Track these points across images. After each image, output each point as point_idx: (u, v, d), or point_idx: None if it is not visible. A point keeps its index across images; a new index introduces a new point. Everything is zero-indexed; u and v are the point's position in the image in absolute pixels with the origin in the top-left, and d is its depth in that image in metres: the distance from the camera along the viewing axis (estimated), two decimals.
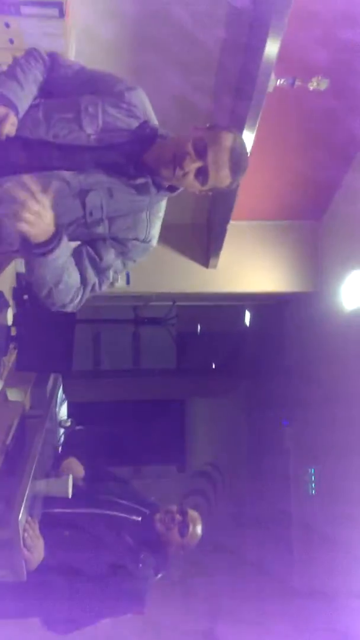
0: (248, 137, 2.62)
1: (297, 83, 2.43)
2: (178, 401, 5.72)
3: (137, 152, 1.27)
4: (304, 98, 2.60)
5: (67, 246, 1.20)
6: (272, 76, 2.37)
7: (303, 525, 3.93)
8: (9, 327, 2.55)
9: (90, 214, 1.26)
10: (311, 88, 2.44)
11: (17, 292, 2.69)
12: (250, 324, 5.05)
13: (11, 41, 2.02)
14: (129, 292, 3.71)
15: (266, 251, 3.78)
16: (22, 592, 1.66)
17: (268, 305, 4.65)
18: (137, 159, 1.27)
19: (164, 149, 1.25)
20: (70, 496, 1.88)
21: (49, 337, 2.70)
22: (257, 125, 2.55)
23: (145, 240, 1.35)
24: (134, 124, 1.28)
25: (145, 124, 1.30)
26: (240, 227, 3.64)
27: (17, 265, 2.79)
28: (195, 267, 3.76)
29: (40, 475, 1.96)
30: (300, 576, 3.34)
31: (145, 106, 1.33)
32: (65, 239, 1.17)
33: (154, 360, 4.98)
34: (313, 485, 3.99)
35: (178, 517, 1.93)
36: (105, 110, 1.25)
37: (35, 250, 1.14)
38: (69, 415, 2.74)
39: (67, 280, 1.23)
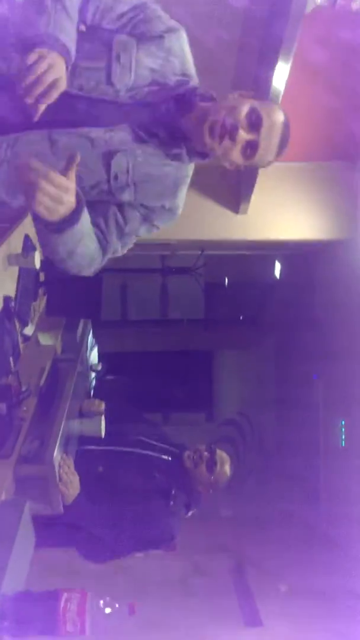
0: (282, 68, 2.44)
1: (340, 2, 2.22)
2: (206, 352, 5.73)
3: (173, 115, 1.15)
4: (345, 21, 2.38)
5: (87, 220, 1.08)
6: None
7: (331, 478, 3.94)
8: (37, 272, 2.54)
9: (115, 177, 1.14)
10: (355, 8, 2.22)
11: None
12: (280, 275, 4.93)
13: None
14: (156, 239, 3.63)
15: (299, 196, 3.61)
16: (60, 524, 1.72)
17: (299, 255, 4.51)
18: (172, 122, 1.15)
19: (207, 114, 1.12)
20: (103, 435, 1.91)
21: (77, 285, 2.68)
22: (292, 54, 2.37)
23: (172, 209, 1.26)
24: (171, 76, 1.15)
25: (184, 81, 1.16)
26: (272, 169, 3.46)
27: None
28: (225, 212, 3.64)
29: (73, 416, 1.99)
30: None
31: (184, 54, 1.18)
32: (85, 214, 1.04)
33: (181, 311, 4.95)
34: (343, 437, 3.99)
35: (206, 454, 1.97)
36: (140, 61, 1.11)
37: (50, 227, 1.00)
38: (99, 362, 2.77)
39: (82, 252, 1.12)
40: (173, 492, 1.88)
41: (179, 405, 5.32)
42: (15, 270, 2.32)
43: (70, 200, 0.96)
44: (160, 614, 2.51)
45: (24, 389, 1.98)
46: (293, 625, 2.95)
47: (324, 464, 4.19)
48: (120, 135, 1.13)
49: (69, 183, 0.94)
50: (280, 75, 2.47)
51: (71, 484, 1.70)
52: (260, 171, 3.17)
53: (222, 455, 1.99)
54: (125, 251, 1.27)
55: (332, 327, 4.10)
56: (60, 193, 0.93)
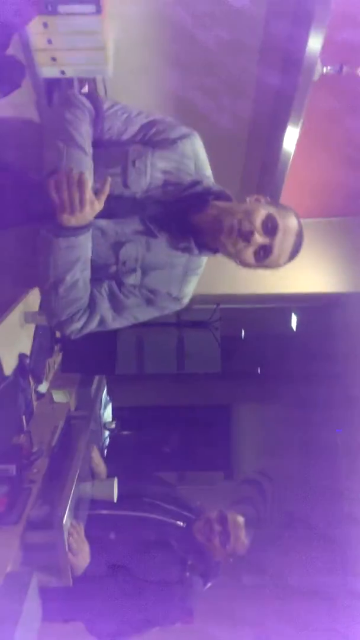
0: (292, 133, 2.53)
1: (345, 69, 2.32)
2: (224, 406, 5.60)
3: (184, 212, 1.21)
4: (351, 86, 2.48)
5: (88, 246, 1.14)
6: (318, 63, 2.28)
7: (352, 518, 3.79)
8: (53, 329, 2.56)
9: (124, 264, 1.21)
10: None
11: None
12: (297, 327, 4.88)
13: (49, 41, 2.02)
14: None
15: (313, 250, 3.63)
16: (67, 596, 1.62)
17: (316, 307, 4.48)
18: (182, 219, 1.21)
19: (222, 215, 1.17)
20: (115, 500, 1.84)
21: (92, 340, 2.69)
22: (302, 120, 2.46)
23: (178, 298, 1.29)
24: (185, 178, 1.21)
25: (196, 183, 1.22)
26: None
27: None
28: (240, 267, 3.66)
29: (85, 478, 1.93)
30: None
31: (198, 157, 1.24)
32: (90, 237, 1.13)
33: (198, 364, 4.91)
34: None
35: (217, 527, 1.83)
36: (154, 164, 1.18)
37: (58, 230, 1.07)
38: (113, 419, 2.72)
39: (73, 283, 1.13)
40: (189, 562, 1.76)
41: (196, 463, 5.15)
42: (31, 328, 2.35)
43: (89, 214, 1.06)
44: None
45: (35, 449, 1.94)
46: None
47: (348, 519, 4.00)
48: (132, 227, 1.19)
49: (96, 200, 1.06)
50: (291, 138, 2.56)
51: (81, 553, 1.61)
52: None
53: (235, 521, 1.86)
54: (116, 325, 1.26)
55: (352, 378, 4.00)
56: (90, 199, 1.03)
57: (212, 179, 1.27)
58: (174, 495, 2.11)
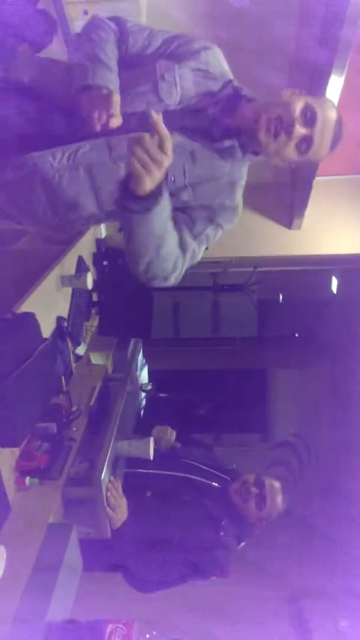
0: (336, 82, 2.38)
1: None
2: (260, 370, 5.57)
3: (222, 115, 1.22)
4: None
5: (169, 204, 1.13)
6: None
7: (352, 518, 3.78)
8: (90, 293, 2.58)
9: (173, 180, 1.20)
10: None
11: (97, 258, 2.70)
12: (337, 291, 4.73)
13: None
14: (208, 257, 3.59)
15: (354, 209, 3.47)
16: (107, 549, 1.69)
17: (356, 270, 4.32)
18: (222, 122, 1.22)
19: (261, 111, 1.18)
20: (152, 458, 1.87)
21: (129, 304, 2.70)
22: (347, 66, 2.30)
23: (232, 207, 1.30)
24: (213, 85, 1.24)
25: (228, 84, 1.24)
26: (326, 183, 3.36)
27: (97, 231, 2.80)
28: (277, 228, 3.55)
29: (122, 437, 1.97)
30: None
31: (222, 65, 1.28)
32: (167, 195, 1.11)
33: (234, 329, 4.87)
34: None
35: (254, 489, 1.85)
36: (182, 75, 1.20)
37: (137, 206, 1.06)
38: (150, 381, 2.75)
39: (169, 244, 1.16)
40: (223, 522, 1.79)
41: (232, 425, 5.20)
42: (68, 291, 2.37)
43: (158, 175, 1.02)
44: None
45: (74, 408, 1.99)
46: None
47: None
48: (174, 137, 1.14)
49: (165, 157, 1.01)
50: (334, 87, 2.41)
51: (119, 508, 1.67)
52: (315, 183, 3.09)
53: (272, 486, 1.86)
54: (201, 255, 1.30)
55: None
56: (159, 155, 1.00)
57: (234, 78, 1.29)
58: (211, 456, 2.13)
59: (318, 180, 3.02)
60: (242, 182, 1.32)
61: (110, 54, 1.21)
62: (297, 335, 5.34)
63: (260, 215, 3.54)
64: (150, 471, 1.90)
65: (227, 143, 1.23)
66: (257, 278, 4.01)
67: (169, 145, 1.00)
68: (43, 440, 1.73)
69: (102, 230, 2.84)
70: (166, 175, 1.09)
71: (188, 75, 1.21)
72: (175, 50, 1.24)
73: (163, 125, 1.00)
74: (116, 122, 1.14)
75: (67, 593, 1.48)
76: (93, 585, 1.77)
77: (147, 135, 0.99)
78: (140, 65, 1.24)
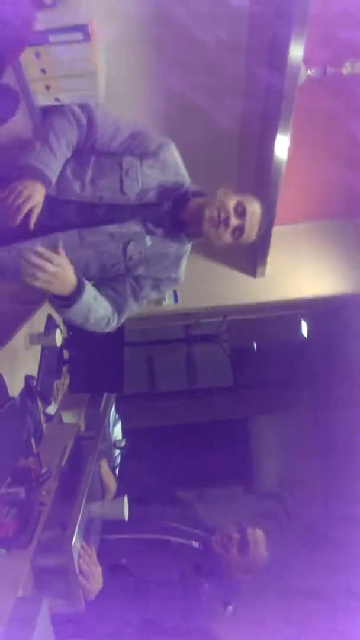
0: (282, 140, 2.53)
1: (329, 70, 2.32)
2: (241, 420, 5.51)
3: (174, 210, 1.52)
4: (337, 87, 2.48)
5: (90, 293, 1.37)
6: (302, 67, 2.28)
7: (352, 518, 3.71)
8: (60, 350, 2.55)
9: (130, 259, 1.51)
10: (345, 72, 2.32)
11: None
12: (307, 333, 4.82)
13: (43, 71, 2.06)
14: (178, 310, 3.65)
15: (316, 253, 3.60)
16: (80, 622, 1.56)
17: (324, 312, 4.43)
18: (173, 215, 1.52)
19: (203, 208, 1.48)
20: (126, 518, 1.79)
21: (99, 360, 2.68)
22: (291, 124, 2.46)
23: (176, 278, 1.63)
24: (167, 179, 1.50)
25: (179, 184, 1.52)
26: (285, 231, 3.51)
27: None
28: (243, 277, 3.64)
29: (94, 497, 1.89)
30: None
31: (176, 161, 1.53)
32: (87, 288, 1.35)
33: (210, 379, 4.86)
34: None
35: (235, 535, 1.79)
36: (144, 172, 1.45)
37: (59, 302, 1.34)
38: (124, 437, 2.68)
39: (95, 317, 1.44)
40: (206, 585, 1.69)
41: (215, 479, 5.05)
42: (37, 349, 2.35)
43: (68, 276, 1.28)
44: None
45: (44, 470, 1.91)
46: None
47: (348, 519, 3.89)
48: (133, 228, 1.49)
49: (64, 260, 1.26)
50: (281, 146, 2.56)
51: (93, 577, 1.56)
52: (274, 232, 3.22)
53: (254, 534, 1.79)
54: (138, 310, 1.62)
55: None
56: (56, 269, 1.23)
57: (188, 179, 1.56)
58: (189, 515, 2.04)
59: (277, 229, 3.15)
60: (186, 255, 1.63)
61: (62, 140, 1.40)
62: (273, 380, 5.36)
63: (224, 266, 3.65)
64: (125, 536, 1.80)
65: (177, 237, 1.55)
66: (228, 327, 4.06)
67: (57, 261, 1.23)
68: (11, 507, 1.64)
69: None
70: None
71: (148, 173, 1.46)
72: (140, 146, 1.47)
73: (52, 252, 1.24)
74: (15, 221, 1.31)
75: None
76: None
77: (31, 259, 1.21)
78: (105, 154, 1.48)
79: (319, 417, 4.98)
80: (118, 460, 2.40)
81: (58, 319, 2.66)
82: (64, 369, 2.66)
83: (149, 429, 4.60)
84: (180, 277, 1.64)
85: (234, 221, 1.46)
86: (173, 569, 1.73)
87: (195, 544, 1.82)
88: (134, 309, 1.59)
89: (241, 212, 1.47)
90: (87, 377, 2.66)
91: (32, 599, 1.44)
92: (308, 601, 2.98)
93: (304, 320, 4.58)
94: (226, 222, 1.45)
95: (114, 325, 1.55)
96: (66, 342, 2.57)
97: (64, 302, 1.33)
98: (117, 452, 2.41)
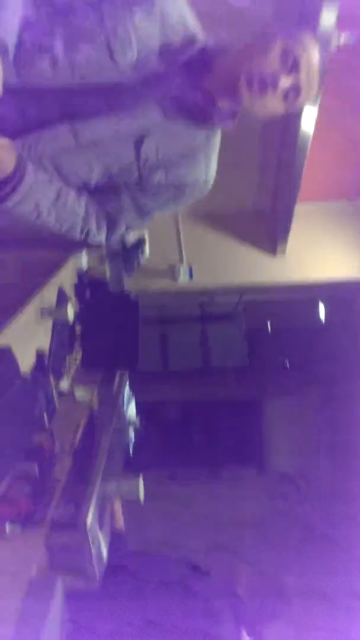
0: (311, 112, 2.41)
1: None
2: (254, 401, 5.46)
3: (191, 83, 1.06)
4: None
5: (39, 188, 1.04)
6: (335, 32, 2.15)
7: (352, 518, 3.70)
8: (73, 325, 2.50)
9: (146, 160, 1.10)
10: None
11: (79, 290, 2.63)
12: (325, 317, 4.71)
13: None
14: (194, 287, 3.57)
15: (339, 233, 3.48)
16: (93, 599, 1.54)
17: (343, 297, 4.31)
18: (193, 90, 1.07)
19: (240, 63, 1.02)
20: (142, 499, 1.75)
21: (113, 336, 2.63)
22: (320, 95, 2.33)
23: (207, 181, 1.19)
24: (171, 36, 1.03)
25: (189, 43, 1.05)
26: (308, 209, 3.38)
27: (78, 262, 2.75)
28: (262, 255, 3.54)
29: (110, 477, 1.86)
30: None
31: (181, 11, 1.06)
32: (29, 177, 1.01)
33: (225, 358, 4.79)
34: None
35: None
36: (137, 28, 0.99)
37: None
38: (138, 416, 2.64)
39: (56, 217, 1.09)
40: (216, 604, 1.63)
41: (228, 459, 5.03)
42: (48, 324, 2.29)
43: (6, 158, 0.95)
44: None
45: (57, 447, 1.87)
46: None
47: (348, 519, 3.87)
48: (149, 116, 1.06)
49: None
50: (309, 119, 2.44)
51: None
52: (296, 212, 3.10)
53: None
54: (144, 225, 1.25)
55: None
56: None
57: (200, 32, 1.10)
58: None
59: (300, 206, 3.04)
60: (217, 149, 1.20)
61: None
62: (288, 363, 5.28)
63: (244, 243, 3.54)
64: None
65: (209, 121, 1.10)
66: (244, 306, 3.97)
67: None
68: (24, 483, 1.61)
69: (84, 262, 2.80)
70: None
71: (142, 26, 1.00)
72: None
73: None
74: (7, 157, 0.97)
75: None
76: None
77: None
78: (81, 14, 1.00)
79: (332, 404, 4.93)
80: (132, 438, 2.36)
81: (70, 292, 2.60)
82: (77, 344, 2.61)
83: (163, 406, 4.57)
84: (212, 178, 1.20)
85: (284, 81, 1.00)
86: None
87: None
88: (135, 223, 1.21)
89: (293, 63, 1.01)
90: (101, 354, 2.61)
91: (47, 578, 1.41)
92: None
93: (323, 303, 4.47)
94: (274, 83, 1.00)
95: (100, 238, 1.18)
96: (79, 317, 2.52)
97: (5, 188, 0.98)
98: (132, 430, 2.38)
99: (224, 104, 1.09)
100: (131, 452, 2.31)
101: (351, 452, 4.42)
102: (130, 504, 1.84)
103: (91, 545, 1.50)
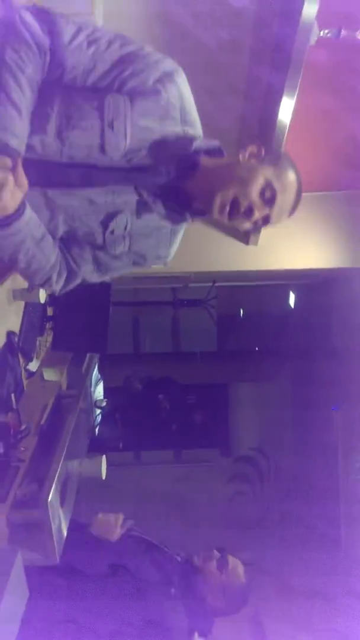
0: (287, 104, 2.44)
1: (343, 33, 2.21)
2: (221, 385, 5.60)
3: (176, 177, 1.08)
4: (349, 51, 2.37)
5: (31, 226, 1.02)
6: (315, 27, 2.17)
7: (352, 518, 3.80)
8: (44, 307, 2.52)
9: (112, 232, 1.11)
10: None
11: None
12: (295, 305, 4.83)
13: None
14: (167, 272, 3.60)
15: (310, 225, 3.55)
16: (52, 577, 1.61)
17: (314, 284, 4.42)
18: (175, 186, 1.09)
19: (219, 184, 1.05)
20: (104, 477, 1.82)
21: (84, 318, 2.65)
22: (297, 89, 2.36)
23: (165, 257, 1.22)
24: (169, 129, 1.05)
25: (185, 141, 1.07)
26: None
27: None
28: (235, 244, 3.59)
29: (75, 456, 1.91)
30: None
31: (184, 100, 1.06)
32: (28, 218, 0.99)
33: (194, 343, 4.88)
34: None
35: (216, 553, 1.77)
36: (135, 123, 0.99)
37: None
38: (105, 398, 2.70)
39: (29, 259, 1.06)
40: (173, 591, 1.69)
41: (193, 442, 5.16)
42: (20, 305, 2.30)
43: (11, 200, 0.92)
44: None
45: (23, 427, 1.91)
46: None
47: (344, 499, 4.00)
48: (124, 197, 1.08)
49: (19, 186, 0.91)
50: (286, 109, 2.47)
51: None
52: None
53: (235, 559, 1.78)
54: (97, 281, 1.22)
55: (350, 356, 3.96)
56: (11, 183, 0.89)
57: (199, 129, 1.12)
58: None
59: None
60: (183, 227, 1.21)
61: (25, 85, 0.94)
62: (257, 348, 5.41)
63: (217, 231, 3.58)
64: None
65: (180, 218, 1.14)
66: (216, 293, 4.04)
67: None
68: None
69: None
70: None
71: (141, 122, 1.01)
72: (128, 81, 1.00)
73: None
74: (16, 197, 0.93)
75: (10, 621, 1.40)
76: None
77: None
78: (79, 91, 0.99)
79: (298, 389, 5.06)
80: (98, 419, 2.42)
81: None
82: (47, 325, 2.63)
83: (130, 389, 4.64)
84: (170, 255, 1.23)
85: (257, 213, 1.05)
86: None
87: (178, 557, 1.82)
88: (91, 278, 1.19)
89: (270, 197, 1.04)
90: (71, 336, 2.63)
91: (6, 551, 1.47)
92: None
93: (292, 291, 4.58)
94: (247, 214, 1.04)
95: (57, 287, 1.16)
96: (50, 299, 2.53)
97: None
98: (98, 411, 2.43)
99: (199, 205, 1.11)
100: (96, 432, 2.37)
101: (315, 439, 4.57)
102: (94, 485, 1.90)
103: (52, 522, 1.56)
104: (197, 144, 1.08)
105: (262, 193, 1.04)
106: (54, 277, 1.13)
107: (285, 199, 1.06)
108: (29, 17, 0.95)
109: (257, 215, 1.05)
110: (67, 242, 1.15)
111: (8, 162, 0.90)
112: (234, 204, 1.04)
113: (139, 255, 1.18)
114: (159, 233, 1.16)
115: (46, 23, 0.96)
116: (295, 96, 2.38)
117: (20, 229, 0.98)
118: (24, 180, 0.92)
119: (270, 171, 1.05)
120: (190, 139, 1.07)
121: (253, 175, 1.04)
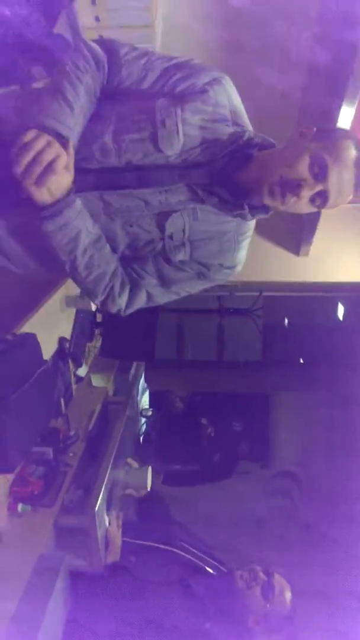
0: (347, 112, 2.40)
1: None
2: (263, 395, 5.51)
3: (231, 172, 1.07)
4: None
5: (83, 216, 1.02)
6: None
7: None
8: (94, 313, 2.57)
9: (171, 237, 1.10)
10: None
11: None
12: (344, 318, 4.70)
13: (97, 19, 1.98)
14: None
15: None
16: (95, 581, 1.63)
17: None
18: (231, 180, 1.08)
19: (267, 168, 1.03)
20: (149, 488, 1.83)
21: (133, 325, 2.69)
22: (358, 98, 2.32)
23: (230, 267, 1.18)
24: (221, 129, 1.07)
25: (237, 133, 1.08)
26: (334, 211, 3.36)
27: None
28: (285, 254, 3.55)
29: (120, 464, 1.94)
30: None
31: (233, 103, 1.10)
32: (78, 205, 1.00)
33: (239, 353, 4.83)
34: None
35: (262, 576, 1.65)
36: (186, 121, 1.03)
37: (38, 213, 0.97)
38: (151, 404, 2.72)
39: (89, 259, 1.05)
40: (211, 613, 1.60)
41: (234, 451, 5.11)
42: (72, 312, 2.36)
43: (57, 182, 0.93)
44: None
45: (72, 432, 1.96)
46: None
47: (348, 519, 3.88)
48: (177, 195, 1.07)
49: (66, 168, 0.94)
50: (345, 117, 2.42)
51: (113, 545, 1.60)
52: (323, 213, 3.10)
53: (281, 581, 1.66)
54: (165, 300, 1.19)
55: None
56: (56, 166, 0.91)
57: (250, 126, 1.13)
58: (208, 549, 1.93)
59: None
60: (249, 234, 1.19)
61: (80, 90, 1.02)
62: (301, 360, 5.29)
63: (268, 241, 3.55)
64: (138, 542, 1.77)
65: (237, 212, 1.10)
66: (263, 303, 3.99)
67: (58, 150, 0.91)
68: (38, 465, 1.70)
69: None
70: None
71: (193, 121, 1.04)
72: (177, 85, 1.06)
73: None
74: (65, 180, 0.94)
75: (55, 624, 1.43)
76: None
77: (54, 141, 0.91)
78: (133, 98, 1.07)
79: (343, 403, 4.93)
80: (143, 428, 2.44)
81: None
82: (97, 332, 2.68)
83: (172, 396, 4.65)
84: (238, 265, 1.19)
85: (307, 190, 1.00)
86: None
87: (210, 570, 1.77)
88: (156, 294, 1.17)
89: (320, 172, 0.99)
90: (119, 343, 2.68)
91: (54, 555, 1.50)
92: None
93: (342, 303, 4.46)
94: (295, 190, 1.00)
95: (121, 302, 1.13)
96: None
97: (49, 209, 0.96)
98: (143, 420, 2.45)
99: (253, 200, 1.09)
100: (141, 441, 2.39)
101: (356, 452, 4.43)
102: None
103: (98, 529, 1.59)
104: (250, 136, 1.08)
105: (311, 168, 0.99)
106: (117, 288, 1.12)
107: (342, 172, 1.00)
108: (90, 42, 1.08)
109: (307, 191, 1.00)
110: (129, 259, 1.15)
111: (56, 144, 0.92)
112: (284, 185, 1.01)
113: (202, 263, 1.15)
114: (221, 239, 1.14)
115: (106, 44, 1.09)
116: (357, 103, 2.34)
117: (71, 216, 0.99)
118: (72, 165, 0.95)
119: (319, 144, 1.01)
120: (242, 133, 1.08)
121: (297, 150, 1.01)
